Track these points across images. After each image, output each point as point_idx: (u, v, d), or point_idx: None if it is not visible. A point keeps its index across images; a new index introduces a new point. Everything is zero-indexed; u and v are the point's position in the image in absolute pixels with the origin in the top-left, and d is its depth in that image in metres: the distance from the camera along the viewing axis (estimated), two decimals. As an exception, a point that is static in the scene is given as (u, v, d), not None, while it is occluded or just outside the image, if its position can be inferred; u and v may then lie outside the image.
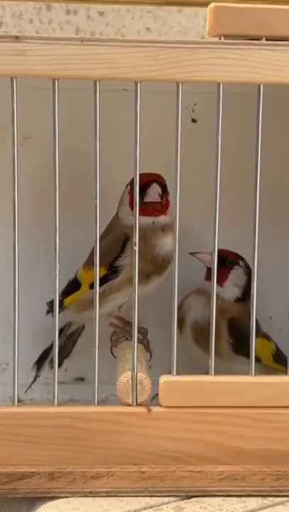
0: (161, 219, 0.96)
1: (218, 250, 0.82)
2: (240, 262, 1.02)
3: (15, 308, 0.80)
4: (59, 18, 1.06)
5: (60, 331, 1.00)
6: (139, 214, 0.82)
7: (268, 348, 1.02)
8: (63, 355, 1.04)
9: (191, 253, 1.00)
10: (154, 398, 0.83)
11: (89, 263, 0.97)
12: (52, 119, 0.78)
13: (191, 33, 1.07)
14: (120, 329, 0.98)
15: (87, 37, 0.80)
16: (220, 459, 0.82)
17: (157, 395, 0.82)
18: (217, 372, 0.82)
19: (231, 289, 1.02)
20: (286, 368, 0.83)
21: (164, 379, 0.82)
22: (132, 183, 0.93)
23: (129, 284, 0.87)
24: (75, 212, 0.98)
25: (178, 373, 0.82)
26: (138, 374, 0.82)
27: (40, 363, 1.03)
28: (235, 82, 0.77)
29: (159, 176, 0.95)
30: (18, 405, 0.82)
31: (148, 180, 0.94)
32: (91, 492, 0.81)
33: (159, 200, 0.95)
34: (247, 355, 0.84)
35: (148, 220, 0.95)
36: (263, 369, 0.99)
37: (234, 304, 1.02)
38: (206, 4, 0.78)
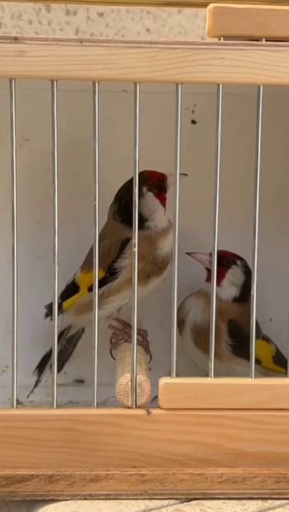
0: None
1: (217, 250, 0.82)
2: (238, 262, 1.02)
3: (14, 309, 0.80)
4: (58, 19, 1.06)
5: (60, 334, 1.00)
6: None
7: (268, 350, 1.02)
8: (63, 359, 1.04)
9: (188, 253, 1.00)
10: (154, 400, 0.83)
11: (87, 266, 0.97)
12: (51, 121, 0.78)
13: (191, 34, 1.07)
14: (120, 331, 0.98)
15: (87, 38, 0.79)
16: (220, 461, 0.82)
17: (157, 396, 0.82)
18: (217, 375, 0.82)
19: (228, 288, 1.02)
20: (286, 370, 0.83)
21: (163, 381, 0.81)
22: (147, 183, 0.94)
23: (128, 285, 0.86)
24: (74, 213, 0.98)
25: (178, 375, 0.82)
26: (137, 376, 0.81)
27: (41, 367, 1.03)
28: (234, 82, 0.77)
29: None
30: (17, 407, 0.82)
31: (162, 174, 0.94)
32: (90, 495, 0.81)
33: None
34: (247, 357, 0.83)
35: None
36: (264, 371, 0.99)
37: (232, 304, 1.02)
38: (205, 5, 0.78)
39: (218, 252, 0.82)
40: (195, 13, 1.07)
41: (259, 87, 0.78)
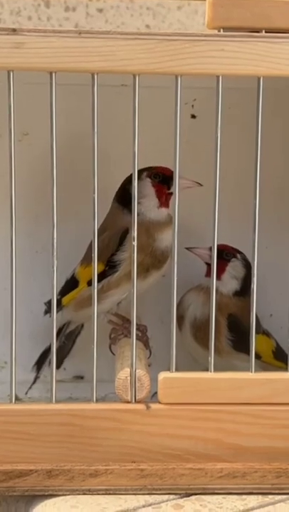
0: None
1: (217, 245, 0.81)
2: (238, 255, 1.02)
3: (12, 305, 0.80)
4: (58, 15, 1.06)
5: (59, 330, 1.00)
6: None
7: (268, 344, 1.02)
8: (62, 355, 1.04)
9: (187, 248, 0.99)
10: (154, 396, 0.82)
11: (86, 260, 0.97)
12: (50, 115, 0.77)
13: (191, 30, 1.07)
14: (119, 326, 0.98)
15: (85, 29, 0.79)
16: (220, 456, 0.82)
17: (157, 392, 0.81)
18: (217, 369, 0.82)
19: (229, 282, 1.02)
20: (287, 364, 0.83)
21: (163, 376, 0.81)
22: (150, 176, 0.94)
23: (128, 279, 0.86)
24: (74, 208, 0.98)
25: (177, 370, 0.81)
26: (137, 370, 0.81)
27: (39, 363, 1.02)
28: (234, 74, 0.77)
29: None
30: (15, 403, 0.82)
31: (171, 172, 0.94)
32: (89, 490, 0.80)
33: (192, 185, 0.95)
34: (247, 352, 0.83)
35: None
36: (264, 366, 0.98)
37: (233, 298, 1.02)
38: (204, -1, 0.77)
39: (218, 246, 0.81)
40: (195, 10, 1.06)
41: (259, 79, 0.78)
